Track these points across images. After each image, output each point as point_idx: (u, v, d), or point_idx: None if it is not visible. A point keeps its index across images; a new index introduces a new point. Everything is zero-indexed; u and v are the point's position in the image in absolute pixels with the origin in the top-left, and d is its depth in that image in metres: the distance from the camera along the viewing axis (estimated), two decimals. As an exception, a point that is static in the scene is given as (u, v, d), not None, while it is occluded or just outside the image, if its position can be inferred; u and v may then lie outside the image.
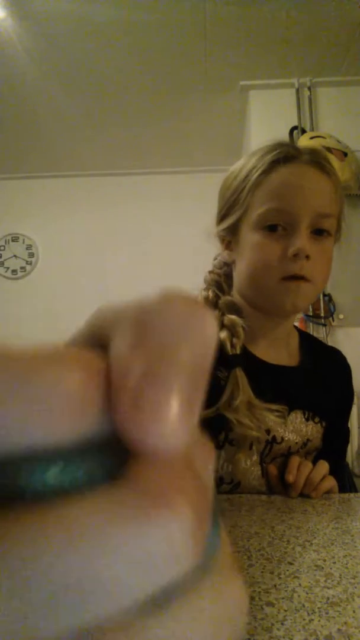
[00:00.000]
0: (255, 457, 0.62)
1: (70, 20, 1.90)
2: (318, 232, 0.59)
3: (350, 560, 0.38)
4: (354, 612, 0.30)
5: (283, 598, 0.32)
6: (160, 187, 3.10)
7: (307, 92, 2.28)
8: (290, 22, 1.93)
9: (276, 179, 0.59)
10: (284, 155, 0.59)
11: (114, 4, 1.84)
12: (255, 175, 0.60)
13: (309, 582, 0.34)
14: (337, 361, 0.78)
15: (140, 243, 3.05)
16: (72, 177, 3.17)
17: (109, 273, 3.06)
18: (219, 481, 0.61)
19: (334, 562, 0.38)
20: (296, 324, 2.06)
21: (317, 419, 0.68)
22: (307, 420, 0.66)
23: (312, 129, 2.23)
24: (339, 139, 2.15)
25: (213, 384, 0.54)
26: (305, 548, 0.41)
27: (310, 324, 2.04)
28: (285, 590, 0.33)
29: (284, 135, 2.22)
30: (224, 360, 0.61)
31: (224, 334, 0.62)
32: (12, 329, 3.03)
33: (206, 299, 0.68)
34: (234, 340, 0.62)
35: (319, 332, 2.02)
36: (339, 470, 0.64)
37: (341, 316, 2.07)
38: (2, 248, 3.14)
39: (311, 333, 1.93)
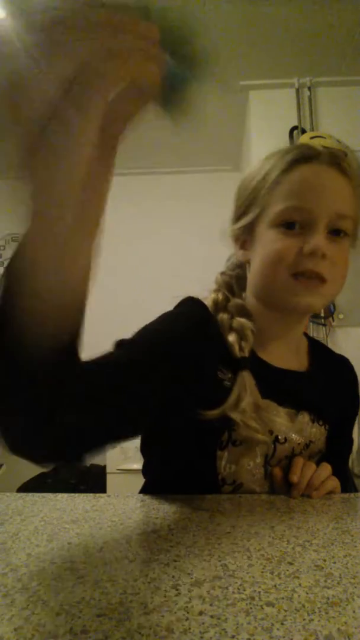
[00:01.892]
0: (259, 460, 0.61)
1: (70, 20, 1.91)
2: (335, 233, 0.59)
3: (350, 560, 0.38)
4: (354, 612, 0.30)
5: (283, 598, 0.32)
6: (160, 187, 3.10)
7: (307, 92, 2.28)
8: (290, 22, 1.93)
9: (296, 177, 0.59)
10: (305, 154, 0.59)
11: (113, 4, 1.84)
12: (275, 174, 0.60)
13: (309, 582, 0.34)
14: (345, 369, 0.78)
15: (140, 243, 3.05)
16: (72, 177, 3.18)
17: (108, 273, 3.06)
18: (222, 482, 0.60)
19: (334, 562, 0.38)
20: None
21: (321, 422, 0.68)
22: (312, 422, 0.66)
23: (312, 129, 2.23)
24: (339, 139, 2.15)
25: (217, 386, 0.54)
26: (305, 548, 0.41)
27: (310, 324, 2.04)
28: (285, 590, 0.33)
29: (284, 135, 2.22)
30: (230, 362, 0.60)
31: (232, 337, 0.62)
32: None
33: (215, 301, 0.67)
34: (243, 343, 0.61)
35: (319, 332, 2.03)
36: (341, 477, 0.64)
37: (341, 316, 2.07)
38: (2, 248, 3.14)
39: (311, 333, 1.94)
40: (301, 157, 0.59)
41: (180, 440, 0.62)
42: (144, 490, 0.70)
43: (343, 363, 0.79)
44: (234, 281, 0.70)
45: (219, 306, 0.66)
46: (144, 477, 0.72)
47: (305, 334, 0.77)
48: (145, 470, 0.72)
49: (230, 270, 0.72)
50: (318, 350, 0.76)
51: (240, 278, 0.70)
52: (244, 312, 0.65)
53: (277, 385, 0.63)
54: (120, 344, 0.52)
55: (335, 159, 0.60)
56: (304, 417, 0.65)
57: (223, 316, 0.65)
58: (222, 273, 0.72)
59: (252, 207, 0.63)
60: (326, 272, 0.57)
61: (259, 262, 0.62)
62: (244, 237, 0.66)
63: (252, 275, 0.65)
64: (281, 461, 0.62)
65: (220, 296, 0.67)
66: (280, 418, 0.61)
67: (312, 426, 0.66)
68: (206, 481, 0.60)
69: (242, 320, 0.63)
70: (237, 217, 0.66)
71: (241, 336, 0.62)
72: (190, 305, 0.66)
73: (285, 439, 0.62)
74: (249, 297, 0.68)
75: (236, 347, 0.61)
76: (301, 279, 0.58)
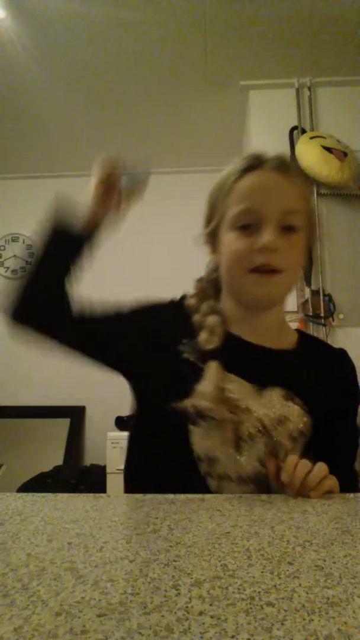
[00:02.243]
0: (229, 433, 0.64)
1: (70, 20, 1.91)
2: (287, 228, 0.66)
3: (350, 560, 0.38)
4: (354, 612, 0.30)
5: (283, 598, 0.32)
6: (161, 187, 3.10)
7: (307, 92, 2.28)
8: (290, 22, 1.93)
9: (245, 184, 0.67)
10: (252, 163, 0.68)
11: (113, 4, 1.84)
12: (229, 182, 0.69)
13: (309, 582, 0.34)
14: (340, 360, 0.79)
15: (140, 243, 3.05)
16: (72, 177, 3.17)
17: (109, 272, 3.05)
18: (197, 459, 0.64)
19: (334, 562, 0.38)
20: (296, 324, 2.08)
21: (298, 401, 0.68)
22: (286, 400, 0.68)
23: (312, 129, 2.23)
24: (339, 139, 2.15)
25: (192, 375, 0.62)
26: (305, 548, 0.41)
27: (310, 324, 2.04)
28: (285, 590, 0.33)
29: (284, 135, 2.23)
30: (203, 355, 0.67)
31: (204, 334, 0.70)
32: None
33: (189, 305, 0.76)
34: (213, 338, 0.69)
35: (319, 332, 2.03)
36: (344, 476, 0.63)
37: (341, 316, 2.07)
38: (2, 248, 3.14)
39: (311, 333, 1.93)
40: (249, 165, 0.68)
41: (157, 421, 0.68)
42: (127, 488, 0.73)
43: (338, 354, 0.80)
44: (209, 285, 0.78)
45: (192, 310, 0.74)
46: (124, 478, 0.75)
47: (301, 332, 0.81)
48: (125, 468, 0.75)
49: (208, 275, 0.79)
50: (309, 340, 0.81)
51: (218, 281, 0.77)
52: (214, 310, 0.73)
53: (248, 360, 0.70)
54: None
55: (280, 164, 0.68)
56: (275, 393, 0.67)
57: (196, 317, 0.73)
58: (199, 279, 0.80)
59: (215, 214, 0.72)
60: (279, 263, 0.65)
61: (223, 263, 0.70)
62: (212, 242, 0.74)
63: (222, 276, 0.74)
64: (254, 437, 0.64)
65: (193, 301, 0.76)
66: (243, 392, 0.66)
67: (286, 404, 0.67)
68: (183, 459, 0.64)
69: (213, 318, 0.72)
70: (205, 224, 0.75)
71: (210, 332, 0.70)
72: (161, 307, 0.77)
73: (249, 409, 0.65)
74: (225, 296, 0.76)
75: (205, 342, 0.68)
76: (258, 273, 0.65)
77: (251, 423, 0.65)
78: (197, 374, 0.66)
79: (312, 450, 0.68)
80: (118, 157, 0.74)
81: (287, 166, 0.69)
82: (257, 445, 0.64)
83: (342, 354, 0.80)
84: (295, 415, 0.67)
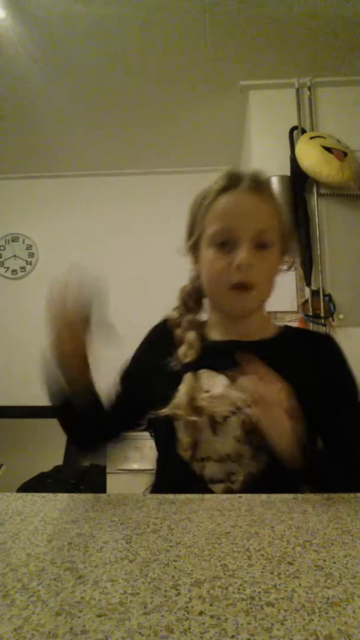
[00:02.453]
0: (205, 420, 0.72)
1: (70, 20, 1.90)
2: (261, 245, 0.71)
3: (350, 560, 0.38)
4: (354, 612, 0.30)
5: (283, 598, 0.32)
6: (161, 187, 3.10)
7: (307, 92, 2.28)
8: (290, 22, 1.93)
9: (222, 204, 0.73)
10: (227, 184, 0.73)
11: (113, 4, 1.84)
12: (207, 202, 0.74)
13: (309, 582, 0.34)
14: (323, 343, 0.80)
15: (140, 243, 3.05)
16: (72, 177, 3.17)
17: (109, 273, 3.05)
18: (186, 447, 0.72)
19: (334, 562, 0.38)
20: (296, 324, 2.07)
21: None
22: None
23: (312, 129, 2.23)
24: (339, 139, 2.15)
25: (176, 383, 0.70)
26: (305, 548, 0.41)
27: (310, 324, 2.04)
28: (285, 590, 0.33)
29: (284, 135, 2.23)
30: (184, 366, 0.76)
31: (183, 349, 0.78)
32: (12, 329, 3.03)
33: (172, 318, 0.84)
34: (189, 352, 0.77)
35: (319, 332, 2.02)
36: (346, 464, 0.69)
37: (341, 316, 2.07)
38: (2, 248, 3.13)
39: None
40: (224, 187, 0.73)
41: (156, 425, 0.78)
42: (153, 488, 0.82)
43: (324, 337, 0.83)
44: (192, 293, 0.84)
45: (174, 323, 0.83)
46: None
47: (289, 326, 0.87)
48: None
49: (191, 281, 0.84)
50: (294, 330, 0.86)
51: (200, 288, 0.83)
52: (194, 324, 0.82)
53: (222, 354, 0.75)
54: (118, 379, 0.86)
55: (254, 185, 0.73)
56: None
57: (177, 331, 0.81)
58: (183, 287, 0.86)
59: (195, 229, 0.78)
60: (254, 280, 0.71)
61: (204, 277, 0.77)
62: (194, 254, 0.80)
63: (203, 285, 0.79)
64: (227, 419, 0.72)
65: (176, 314, 0.84)
66: (215, 383, 0.74)
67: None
68: (176, 451, 0.73)
69: (191, 333, 0.80)
70: (187, 237, 0.81)
71: (189, 346, 0.78)
72: (151, 331, 0.87)
73: (223, 397, 0.73)
74: (207, 303, 0.83)
75: (184, 355, 0.77)
76: (235, 289, 0.71)
77: (224, 407, 0.72)
78: (179, 382, 0.75)
79: (316, 431, 0.73)
80: (63, 278, 0.69)
81: (261, 186, 0.74)
82: (231, 426, 0.71)
83: (327, 337, 0.83)
84: None
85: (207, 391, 0.74)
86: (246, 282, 0.71)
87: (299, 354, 0.77)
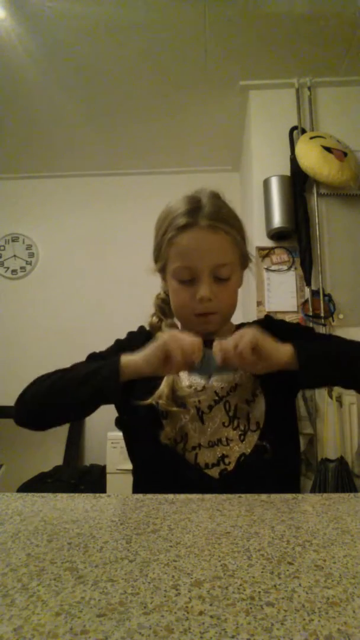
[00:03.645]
0: (192, 411, 0.78)
1: (70, 20, 1.91)
2: (219, 278, 0.77)
3: (350, 560, 0.38)
4: (354, 612, 0.30)
5: (283, 598, 0.32)
6: (161, 187, 3.10)
7: (307, 92, 2.28)
8: (290, 22, 1.93)
9: (182, 242, 0.76)
10: (187, 223, 0.76)
11: (113, 4, 1.84)
12: (168, 237, 0.78)
13: (309, 582, 0.34)
14: (267, 323, 0.89)
15: (140, 243, 3.04)
16: (72, 177, 3.17)
17: (109, 273, 3.06)
18: (174, 441, 0.76)
19: (334, 562, 0.38)
20: (293, 320, 2.05)
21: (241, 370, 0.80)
22: (236, 372, 0.80)
23: (312, 129, 2.23)
24: (339, 139, 2.15)
25: (159, 379, 0.73)
26: (305, 548, 0.41)
27: (310, 324, 2.04)
28: (285, 590, 0.33)
29: (284, 135, 2.23)
30: None
31: None
32: (12, 329, 3.03)
33: (151, 324, 0.87)
34: None
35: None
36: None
37: (341, 316, 2.07)
38: (2, 248, 3.13)
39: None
40: (183, 226, 0.76)
41: (137, 422, 0.81)
42: (135, 488, 0.83)
43: (264, 321, 0.92)
44: (166, 301, 0.87)
45: (154, 327, 0.87)
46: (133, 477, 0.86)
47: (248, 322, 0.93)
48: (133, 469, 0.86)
49: (164, 291, 0.88)
50: (245, 323, 0.92)
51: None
52: (174, 327, 0.85)
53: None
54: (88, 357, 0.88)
55: (211, 222, 0.75)
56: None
57: (159, 334, 0.83)
58: (157, 296, 0.90)
59: (160, 256, 0.83)
60: (216, 308, 0.77)
61: (171, 302, 0.83)
62: (162, 274, 0.85)
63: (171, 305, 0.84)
64: (213, 407, 0.78)
65: (154, 319, 0.88)
66: (195, 379, 0.81)
67: (234, 372, 0.80)
68: (163, 442, 0.76)
69: None
70: (154, 259, 0.86)
71: None
72: (129, 336, 0.91)
73: (204, 387, 0.80)
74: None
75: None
76: (200, 316, 0.78)
77: (209, 396, 0.79)
78: (161, 378, 0.80)
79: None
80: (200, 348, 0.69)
81: (218, 222, 0.76)
82: (217, 413, 0.77)
83: (266, 318, 0.95)
84: (244, 381, 0.80)
85: (190, 386, 0.80)
86: (209, 311, 0.77)
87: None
